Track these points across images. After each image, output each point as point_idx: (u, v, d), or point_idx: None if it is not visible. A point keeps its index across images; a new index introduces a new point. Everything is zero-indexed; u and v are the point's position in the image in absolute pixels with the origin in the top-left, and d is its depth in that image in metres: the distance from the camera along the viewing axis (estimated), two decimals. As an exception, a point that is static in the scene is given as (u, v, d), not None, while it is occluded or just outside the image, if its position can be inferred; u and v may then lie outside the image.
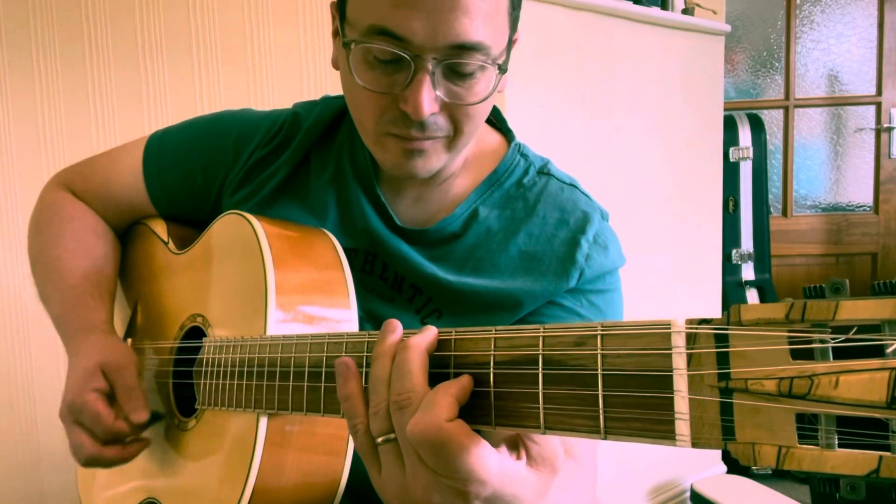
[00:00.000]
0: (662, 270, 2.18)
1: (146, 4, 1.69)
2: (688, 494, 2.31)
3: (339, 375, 0.54)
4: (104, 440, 0.80)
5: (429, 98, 0.68)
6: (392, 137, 0.73)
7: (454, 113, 0.72)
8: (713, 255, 2.41)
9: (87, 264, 0.94)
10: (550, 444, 0.48)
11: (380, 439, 0.50)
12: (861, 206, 3.31)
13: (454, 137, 0.74)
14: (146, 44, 1.71)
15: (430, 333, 0.51)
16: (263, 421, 0.67)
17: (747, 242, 2.81)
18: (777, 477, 2.57)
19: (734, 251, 2.79)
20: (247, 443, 0.68)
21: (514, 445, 0.48)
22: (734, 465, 2.50)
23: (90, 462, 0.80)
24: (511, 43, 0.75)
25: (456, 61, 0.68)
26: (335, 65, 0.79)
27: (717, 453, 2.47)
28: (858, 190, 3.31)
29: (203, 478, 0.76)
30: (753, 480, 2.31)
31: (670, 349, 0.37)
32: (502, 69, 0.72)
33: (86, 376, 0.81)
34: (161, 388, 0.88)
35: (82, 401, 0.79)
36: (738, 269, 2.80)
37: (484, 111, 0.75)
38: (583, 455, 0.75)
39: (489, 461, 0.45)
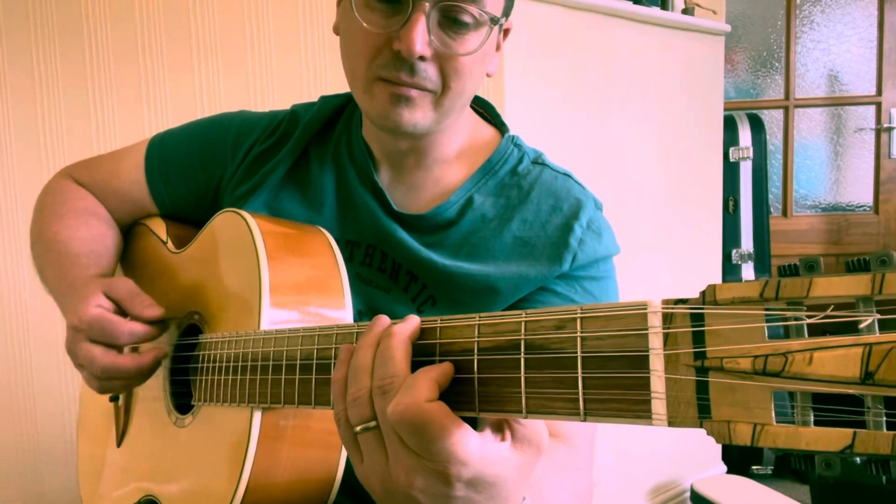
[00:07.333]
0: (662, 270, 2.17)
1: (146, 4, 1.70)
2: (688, 494, 2.31)
3: (338, 360, 0.54)
4: (119, 349, 0.77)
5: (422, 38, 0.71)
6: (381, 83, 0.75)
7: (444, 65, 0.75)
8: (713, 255, 2.41)
9: (86, 236, 0.94)
10: (535, 424, 0.48)
11: (358, 428, 0.50)
12: (861, 206, 3.31)
13: (441, 94, 0.76)
14: (146, 44, 1.71)
15: (413, 322, 0.51)
16: (258, 415, 0.68)
17: (747, 242, 2.80)
18: (777, 477, 2.56)
19: (734, 251, 2.78)
20: (241, 437, 0.68)
21: (499, 427, 0.48)
22: (734, 465, 2.50)
23: (105, 375, 0.77)
24: (507, 12, 0.79)
25: (451, 3, 0.71)
26: (336, 30, 0.82)
27: (718, 453, 2.46)
28: (858, 190, 3.31)
29: (200, 474, 0.76)
30: (753, 480, 2.30)
31: (646, 329, 0.37)
32: (494, 21, 0.75)
33: (86, 300, 0.78)
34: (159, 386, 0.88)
35: (88, 316, 0.76)
36: (738, 269, 2.79)
37: (472, 74, 0.77)
38: (578, 441, 0.75)
39: (470, 442, 0.45)
